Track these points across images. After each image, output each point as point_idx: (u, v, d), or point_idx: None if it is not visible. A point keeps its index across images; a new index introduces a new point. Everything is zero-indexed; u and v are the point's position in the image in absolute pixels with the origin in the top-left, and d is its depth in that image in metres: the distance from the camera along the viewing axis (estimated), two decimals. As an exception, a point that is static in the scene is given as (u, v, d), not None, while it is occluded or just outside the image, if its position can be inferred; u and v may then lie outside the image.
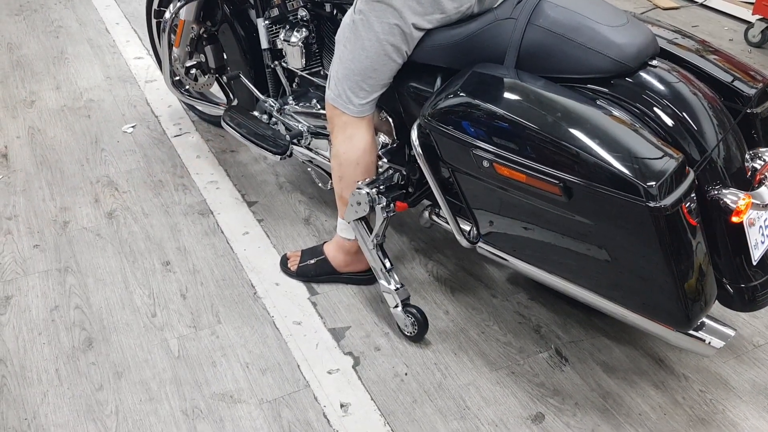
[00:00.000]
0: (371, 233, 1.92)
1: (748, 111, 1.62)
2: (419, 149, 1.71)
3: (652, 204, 1.34)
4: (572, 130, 1.44)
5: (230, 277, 2.18)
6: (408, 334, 1.95)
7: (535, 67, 1.60)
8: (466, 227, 1.79)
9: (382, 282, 1.94)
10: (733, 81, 1.64)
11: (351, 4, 1.80)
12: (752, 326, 2.03)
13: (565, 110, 1.48)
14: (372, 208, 1.86)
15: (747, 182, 1.58)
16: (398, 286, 1.93)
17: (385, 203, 1.86)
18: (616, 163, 1.38)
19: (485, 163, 1.54)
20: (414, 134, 1.71)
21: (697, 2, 4.19)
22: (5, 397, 1.80)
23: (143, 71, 3.31)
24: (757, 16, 3.69)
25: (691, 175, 1.42)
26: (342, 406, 1.79)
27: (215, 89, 2.81)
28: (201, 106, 2.76)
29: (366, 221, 1.93)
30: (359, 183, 1.88)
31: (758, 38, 3.70)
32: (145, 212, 2.43)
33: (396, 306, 1.93)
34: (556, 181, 1.44)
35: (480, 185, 1.61)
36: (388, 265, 1.94)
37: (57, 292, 2.11)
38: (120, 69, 3.33)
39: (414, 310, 1.91)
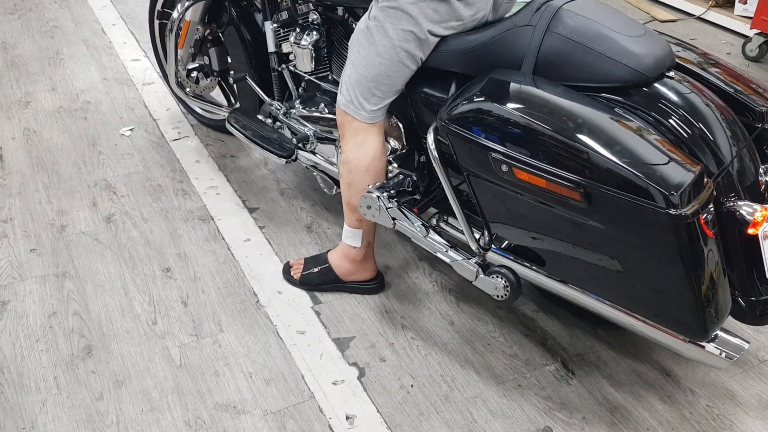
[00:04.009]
0: (414, 225, 1.83)
1: (761, 126, 1.62)
2: (435, 153, 1.69)
3: (672, 212, 1.34)
4: (594, 137, 1.43)
5: (232, 284, 2.14)
6: (499, 298, 1.74)
7: (552, 75, 1.59)
8: (477, 234, 1.77)
9: (453, 256, 1.79)
10: (744, 97, 1.65)
11: (364, 9, 1.78)
12: (758, 341, 2.03)
13: (586, 117, 1.47)
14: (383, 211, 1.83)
15: (761, 196, 1.58)
16: (468, 256, 1.79)
17: (395, 207, 1.83)
18: (637, 171, 1.37)
19: (504, 168, 1.52)
20: (430, 137, 1.69)
21: (694, 15, 4.21)
22: (2, 405, 1.75)
23: (141, 73, 3.26)
24: (755, 31, 3.71)
25: (710, 186, 1.41)
26: (348, 418, 1.76)
27: (215, 93, 2.77)
28: (204, 109, 2.72)
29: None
30: (369, 187, 1.85)
31: (755, 52, 3.71)
32: (144, 217, 2.39)
33: (477, 275, 1.76)
34: (577, 187, 1.42)
35: (496, 191, 1.60)
36: (448, 242, 1.82)
37: (55, 298, 2.06)
38: (117, 71, 3.29)
39: (503, 270, 1.71)
